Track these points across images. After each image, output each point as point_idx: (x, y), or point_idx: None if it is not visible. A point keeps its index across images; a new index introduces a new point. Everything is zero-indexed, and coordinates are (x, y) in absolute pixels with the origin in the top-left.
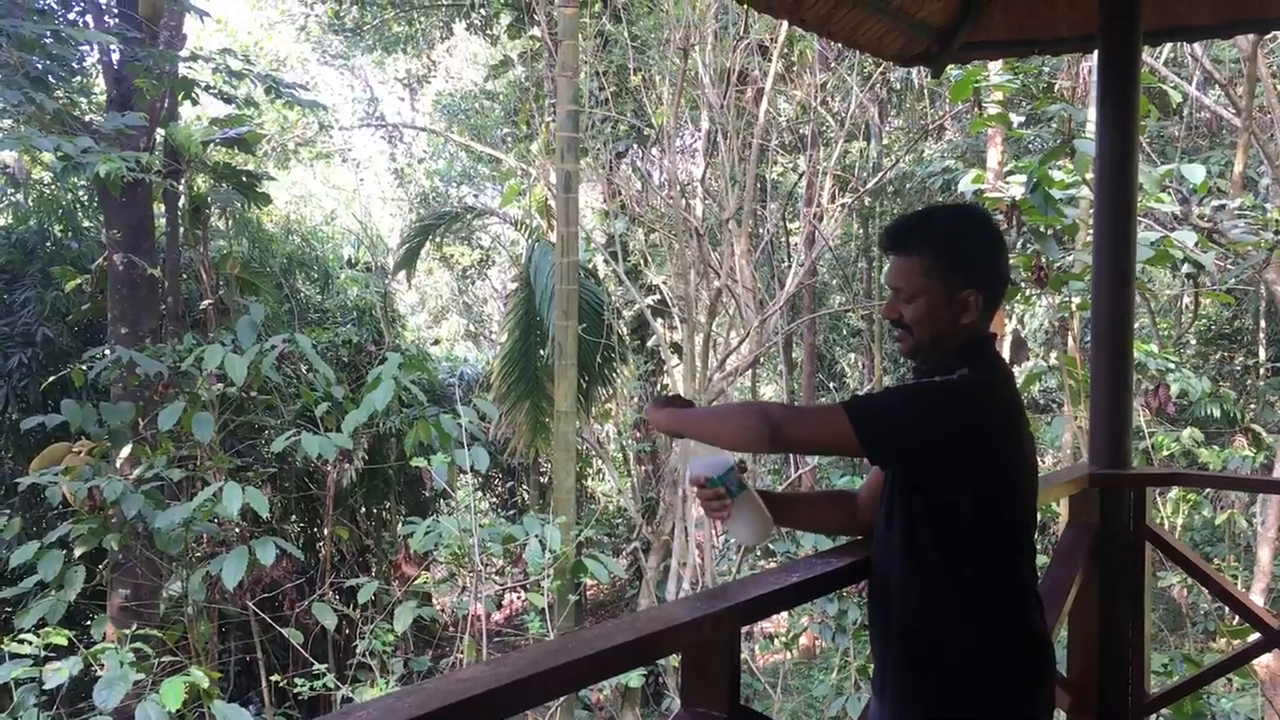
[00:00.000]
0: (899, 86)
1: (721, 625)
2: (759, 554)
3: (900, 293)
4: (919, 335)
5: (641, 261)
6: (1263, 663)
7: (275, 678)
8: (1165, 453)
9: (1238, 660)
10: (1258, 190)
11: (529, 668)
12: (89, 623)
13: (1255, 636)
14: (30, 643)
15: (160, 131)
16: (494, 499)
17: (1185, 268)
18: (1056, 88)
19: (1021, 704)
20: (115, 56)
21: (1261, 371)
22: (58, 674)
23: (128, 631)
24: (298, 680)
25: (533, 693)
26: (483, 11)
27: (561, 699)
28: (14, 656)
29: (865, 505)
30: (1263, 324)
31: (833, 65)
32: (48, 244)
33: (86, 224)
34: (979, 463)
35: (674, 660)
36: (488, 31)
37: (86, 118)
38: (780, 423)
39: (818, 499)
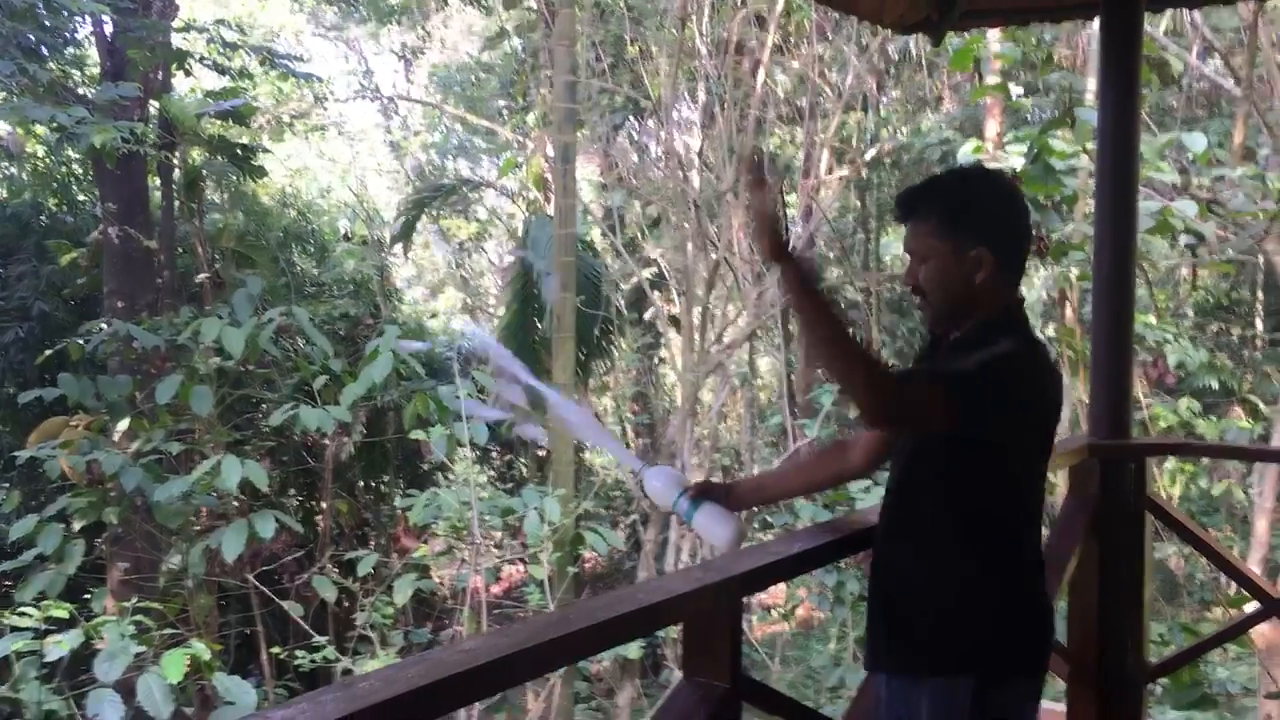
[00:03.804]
0: (897, 58)
1: (723, 595)
2: (758, 526)
3: (914, 257)
4: (934, 299)
5: (639, 234)
6: (1259, 632)
7: (275, 650)
8: (1163, 424)
9: (1237, 629)
10: (1257, 160)
11: (531, 638)
12: (89, 596)
13: (1254, 605)
14: (31, 616)
15: (154, 104)
16: (492, 472)
17: (1185, 238)
18: (1056, 57)
19: (1023, 671)
20: (108, 28)
21: (1259, 343)
22: (58, 647)
23: (128, 605)
24: (298, 653)
25: (535, 663)
26: None
27: (562, 670)
28: (14, 629)
29: (854, 445)
30: (1260, 296)
31: (830, 36)
32: (43, 218)
33: (81, 198)
34: (1019, 434)
35: (673, 632)
36: (483, 2)
37: (80, 90)
38: (895, 401)
39: (807, 462)
